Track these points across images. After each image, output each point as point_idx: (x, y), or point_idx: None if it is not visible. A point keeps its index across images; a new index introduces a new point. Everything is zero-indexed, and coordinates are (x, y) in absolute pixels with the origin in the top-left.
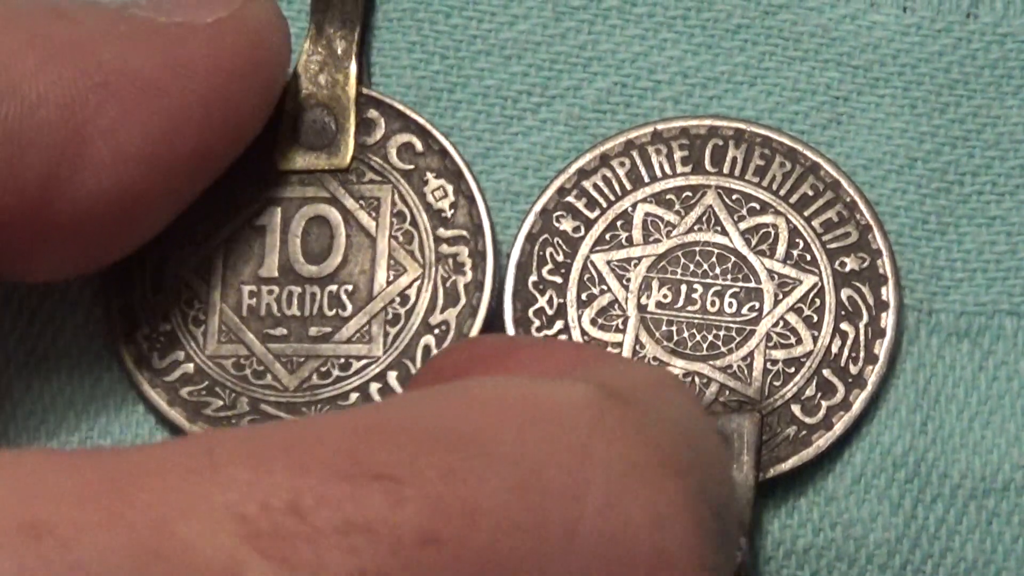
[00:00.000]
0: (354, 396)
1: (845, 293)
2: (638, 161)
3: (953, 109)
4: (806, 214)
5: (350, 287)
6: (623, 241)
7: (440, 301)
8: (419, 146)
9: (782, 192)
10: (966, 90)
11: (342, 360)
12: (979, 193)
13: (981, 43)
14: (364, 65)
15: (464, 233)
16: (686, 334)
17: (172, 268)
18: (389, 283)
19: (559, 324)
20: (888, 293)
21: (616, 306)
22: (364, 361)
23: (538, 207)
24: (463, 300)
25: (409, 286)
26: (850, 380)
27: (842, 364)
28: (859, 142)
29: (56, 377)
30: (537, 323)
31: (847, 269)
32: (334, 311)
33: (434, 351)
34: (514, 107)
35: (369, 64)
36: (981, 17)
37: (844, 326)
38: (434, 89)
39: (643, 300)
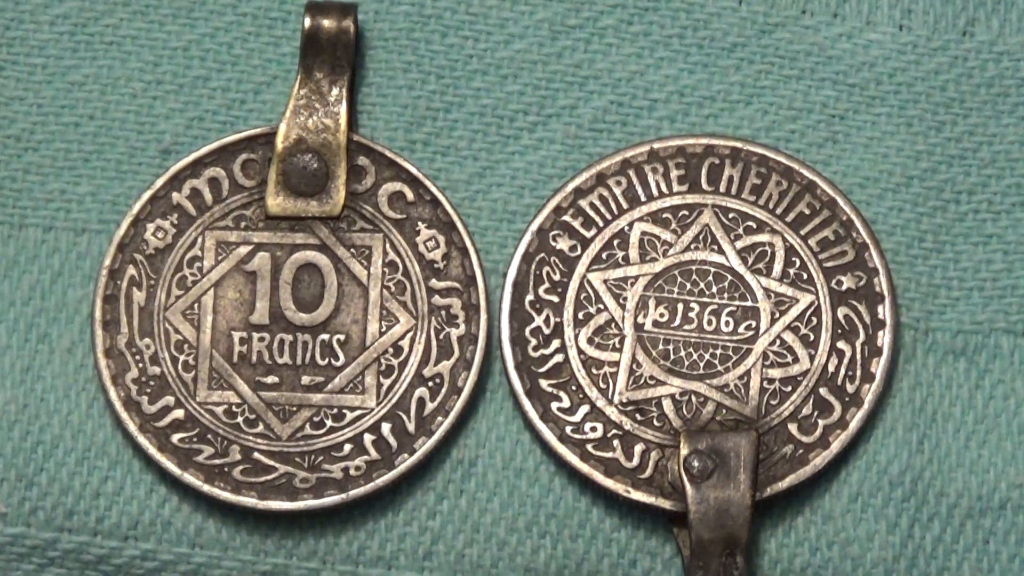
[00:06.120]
0: (348, 447)
1: (842, 312)
2: (634, 180)
3: (950, 127)
4: (803, 232)
5: (342, 336)
6: (620, 260)
7: (434, 353)
8: (410, 195)
9: (779, 210)
10: (963, 108)
11: (335, 410)
12: (975, 212)
13: (977, 61)
14: (354, 110)
15: (457, 285)
16: (683, 353)
17: (160, 312)
18: (382, 333)
19: (556, 343)
20: (884, 311)
21: (613, 325)
22: (358, 412)
23: (534, 226)
24: (457, 353)
25: (402, 337)
26: (847, 399)
27: (839, 383)
28: (856, 160)
29: (48, 430)
30: (534, 342)
31: (844, 287)
32: (326, 360)
33: (428, 404)
34: (510, 126)
35: (356, 107)
36: (977, 35)
37: (841, 345)
38: (430, 109)
39: (640, 319)
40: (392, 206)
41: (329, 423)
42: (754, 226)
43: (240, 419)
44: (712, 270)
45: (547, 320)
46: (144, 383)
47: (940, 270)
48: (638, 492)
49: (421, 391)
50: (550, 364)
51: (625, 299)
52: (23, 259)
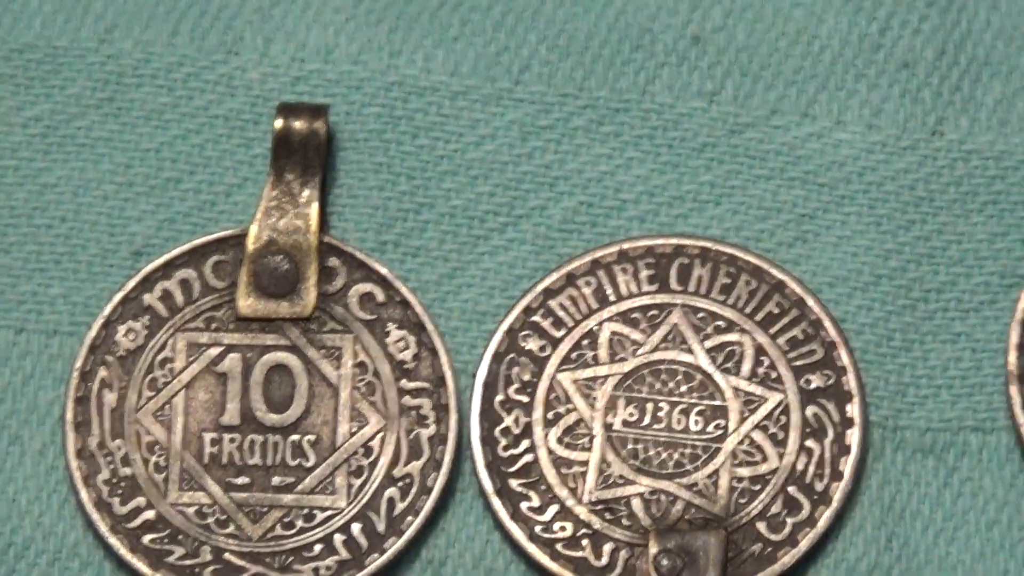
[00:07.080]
0: (318, 547)
1: (811, 410)
2: (604, 280)
3: (919, 226)
4: (772, 332)
5: (313, 437)
6: (589, 360)
7: (404, 454)
8: (380, 296)
9: (748, 310)
10: (931, 207)
11: (306, 511)
12: (944, 310)
13: (947, 160)
14: (325, 211)
15: (427, 385)
16: (652, 452)
17: (132, 413)
18: (352, 434)
19: (525, 443)
20: (853, 410)
21: (582, 425)
22: (328, 512)
23: (504, 326)
24: (427, 453)
25: (372, 438)
26: (816, 497)
27: (808, 481)
28: (825, 259)
29: (20, 531)
30: (503, 442)
31: (812, 386)
32: (297, 461)
33: (398, 504)
34: (481, 227)
35: (327, 207)
36: (947, 134)
37: (810, 443)
38: (401, 209)
39: (609, 419)
40: (363, 307)
41: (300, 524)
42: (723, 325)
43: (211, 520)
44: (681, 369)
45: (517, 420)
46: (115, 484)
47: (909, 368)
48: None
49: (391, 491)
50: (520, 464)
51: (594, 399)
52: None
